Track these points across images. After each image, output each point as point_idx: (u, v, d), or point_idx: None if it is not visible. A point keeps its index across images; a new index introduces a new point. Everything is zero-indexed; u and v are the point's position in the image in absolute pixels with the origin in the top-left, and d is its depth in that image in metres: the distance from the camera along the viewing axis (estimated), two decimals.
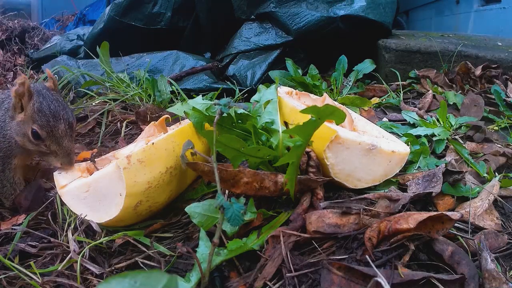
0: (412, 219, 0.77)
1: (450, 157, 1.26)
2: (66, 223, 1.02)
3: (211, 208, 0.87)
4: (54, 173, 1.03)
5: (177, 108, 1.17)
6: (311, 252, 0.83)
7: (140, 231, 0.97)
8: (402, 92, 1.97)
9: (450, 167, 1.07)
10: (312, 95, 1.48)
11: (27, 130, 0.99)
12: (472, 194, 1.01)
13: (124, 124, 1.72)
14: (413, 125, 1.53)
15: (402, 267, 0.74)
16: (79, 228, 0.97)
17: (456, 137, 1.44)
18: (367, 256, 0.74)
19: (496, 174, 1.17)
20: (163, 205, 1.04)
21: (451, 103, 1.76)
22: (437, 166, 1.13)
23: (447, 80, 2.01)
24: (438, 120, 1.53)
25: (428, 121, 1.53)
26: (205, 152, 1.16)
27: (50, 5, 7.00)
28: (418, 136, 1.37)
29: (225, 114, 1.01)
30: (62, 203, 1.02)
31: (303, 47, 2.32)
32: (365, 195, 0.97)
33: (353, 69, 2.08)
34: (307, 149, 0.99)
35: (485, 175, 1.17)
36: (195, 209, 0.87)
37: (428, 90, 1.91)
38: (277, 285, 0.76)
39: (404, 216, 0.79)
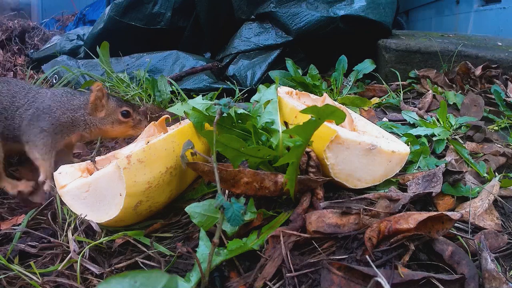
0: (412, 219, 0.77)
1: (450, 157, 1.26)
2: (66, 223, 1.02)
3: (211, 208, 0.87)
4: (54, 173, 1.03)
5: (177, 108, 1.17)
6: (311, 252, 0.83)
7: (140, 231, 0.97)
8: (402, 92, 1.97)
9: (450, 167, 1.06)
10: (312, 95, 1.48)
11: (115, 116, 1.31)
12: (472, 194, 1.01)
13: None
14: (413, 125, 1.53)
15: (402, 267, 0.74)
16: (79, 228, 0.98)
17: (456, 137, 1.44)
18: (367, 256, 0.74)
19: (496, 174, 1.17)
20: (163, 205, 1.04)
21: (451, 103, 1.76)
22: (437, 166, 1.13)
23: (447, 80, 2.01)
24: (438, 120, 1.53)
25: (428, 121, 1.53)
26: (205, 152, 1.16)
27: (50, 5, 6.99)
28: (418, 136, 1.37)
29: (225, 114, 1.01)
30: (62, 203, 1.02)
31: (303, 47, 2.32)
32: (365, 195, 0.97)
33: (353, 69, 2.08)
34: (307, 149, 0.99)
35: (485, 175, 1.17)
36: (195, 209, 0.87)
37: (428, 90, 1.91)
38: (277, 285, 0.76)
39: (404, 216, 0.79)
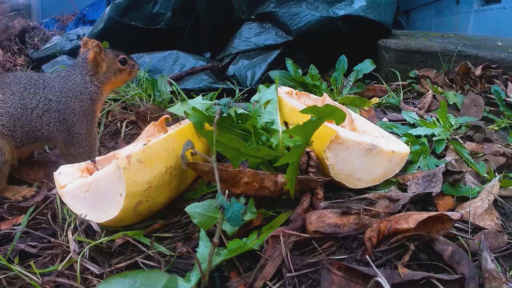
0: (412, 219, 0.77)
1: (450, 157, 1.26)
2: (66, 223, 1.02)
3: (211, 208, 0.87)
4: (54, 173, 1.03)
5: (177, 108, 1.17)
6: (311, 252, 0.83)
7: (140, 231, 0.97)
8: (402, 92, 1.97)
9: (450, 167, 1.06)
10: (312, 95, 1.48)
11: (115, 66, 1.37)
12: (472, 194, 1.01)
13: (124, 124, 1.72)
14: (413, 125, 1.53)
15: (402, 267, 0.74)
16: (79, 228, 0.97)
17: (456, 137, 1.44)
18: (367, 256, 0.74)
19: (496, 174, 1.17)
20: (163, 205, 1.04)
21: (451, 103, 1.76)
22: (437, 166, 1.13)
23: (447, 80, 2.01)
24: (438, 120, 1.53)
25: (428, 121, 1.53)
26: (205, 152, 1.16)
27: (50, 5, 6.98)
28: (418, 136, 1.37)
29: (225, 114, 1.01)
30: (62, 203, 1.02)
31: (303, 47, 2.32)
32: (365, 195, 0.97)
33: (353, 69, 2.08)
34: (307, 149, 0.99)
35: (485, 175, 1.17)
36: (195, 209, 0.87)
37: (428, 90, 1.91)
38: (277, 285, 0.76)
39: (404, 216, 0.79)
